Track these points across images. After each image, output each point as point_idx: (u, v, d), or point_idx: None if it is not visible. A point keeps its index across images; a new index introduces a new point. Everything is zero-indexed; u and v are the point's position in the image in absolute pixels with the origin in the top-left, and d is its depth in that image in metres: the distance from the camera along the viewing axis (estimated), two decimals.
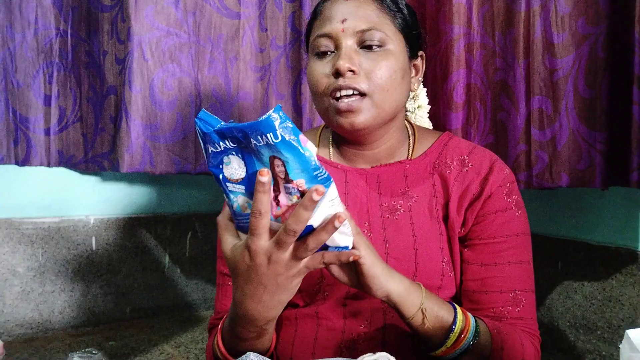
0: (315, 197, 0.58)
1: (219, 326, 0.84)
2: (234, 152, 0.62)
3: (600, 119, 1.15)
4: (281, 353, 0.92)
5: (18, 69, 1.52)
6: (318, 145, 1.00)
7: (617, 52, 1.13)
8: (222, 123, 0.62)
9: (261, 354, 0.81)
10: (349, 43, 0.87)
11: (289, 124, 0.58)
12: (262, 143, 0.58)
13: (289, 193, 0.61)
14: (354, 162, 0.97)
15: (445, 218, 0.92)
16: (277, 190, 0.61)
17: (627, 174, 1.09)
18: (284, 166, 0.59)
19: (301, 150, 0.58)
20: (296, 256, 0.64)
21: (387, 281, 0.74)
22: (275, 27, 1.55)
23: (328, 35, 0.88)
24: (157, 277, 1.77)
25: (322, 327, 0.89)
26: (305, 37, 0.98)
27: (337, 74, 0.85)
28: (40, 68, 1.54)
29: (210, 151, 0.64)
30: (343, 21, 0.87)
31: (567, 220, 1.49)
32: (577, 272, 1.43)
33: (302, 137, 0.58)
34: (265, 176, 0.58)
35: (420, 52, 0.97)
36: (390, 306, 0.77)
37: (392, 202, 0.92)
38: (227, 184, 0.64)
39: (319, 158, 0.97)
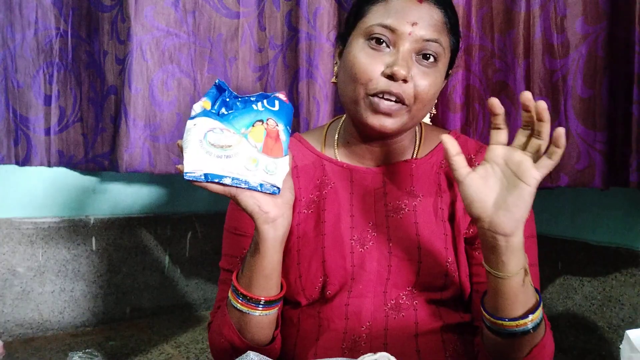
0: None
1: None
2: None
3: (600, 118, 1.15)
4: (283, 353, 0.92)
5: (18, 69, 1.52)
6: (324, 146, 1.00)
7: (616, 51, 1.13)
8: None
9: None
10: (409, 48, 0.85)
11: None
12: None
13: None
14: (362, 159, 0.96)
15: (451, 217, 0.92)
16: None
17: (627, 175, 1.09)
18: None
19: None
20: None
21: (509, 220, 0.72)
22: (273, 26, 1.54)
23: (393, 30, 0.85)
24: (157, 277, 1.77)
25: (323, 328, 0.89)
26: (354, 14, 0.93)
27: (390, 77, 0.84)
28: (41, 68, 1.54)
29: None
30: (414, 24, 0.85)
31: (567, 220, 1.49)
32: (577, 272, 1.43)
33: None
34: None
35: (450, 71, 0.97)
36: (499, 251, 0.73)
37: (397, 202, 0.92)
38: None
39: (326, 159, 0.97)
